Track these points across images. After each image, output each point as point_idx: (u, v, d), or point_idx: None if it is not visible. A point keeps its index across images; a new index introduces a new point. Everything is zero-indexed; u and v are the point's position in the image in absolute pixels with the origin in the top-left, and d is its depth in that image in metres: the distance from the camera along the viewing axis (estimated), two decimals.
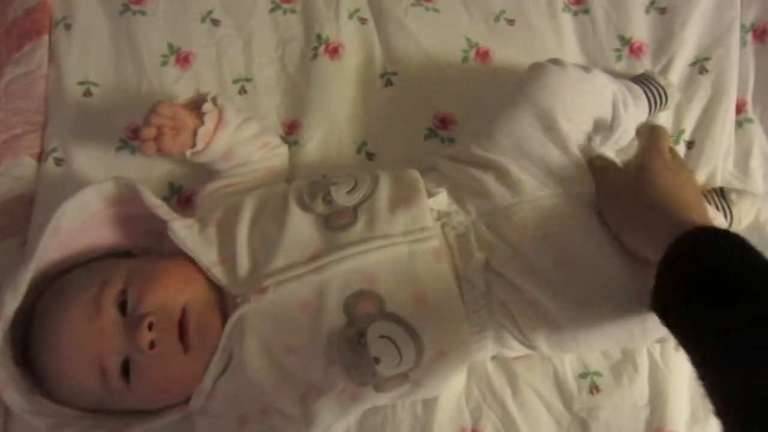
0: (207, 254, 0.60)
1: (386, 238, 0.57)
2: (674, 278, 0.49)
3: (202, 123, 0.65)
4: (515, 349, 0.62)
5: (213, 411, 0.59)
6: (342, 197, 0.61)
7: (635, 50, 0.79)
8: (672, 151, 0.60)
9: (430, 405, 0.66)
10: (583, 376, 0.67)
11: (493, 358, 0.68)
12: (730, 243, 0.48)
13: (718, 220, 0.69)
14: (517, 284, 0.57)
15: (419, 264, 0.57)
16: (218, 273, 0.59)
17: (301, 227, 0.59)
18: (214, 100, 0.67)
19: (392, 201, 0.60)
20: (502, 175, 0.60)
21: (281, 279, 0.57)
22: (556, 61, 0.65)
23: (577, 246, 0.57)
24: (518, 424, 0.66)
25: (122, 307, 0.56)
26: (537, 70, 0.64)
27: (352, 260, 0.57)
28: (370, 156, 0.77)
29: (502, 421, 0.66)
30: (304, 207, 0.61)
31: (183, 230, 0.60)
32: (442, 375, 0.60)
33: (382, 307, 0.56)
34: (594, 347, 0.65)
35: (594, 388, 0.67)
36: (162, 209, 0.62)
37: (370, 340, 0.55)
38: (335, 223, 0.59)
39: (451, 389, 0.67)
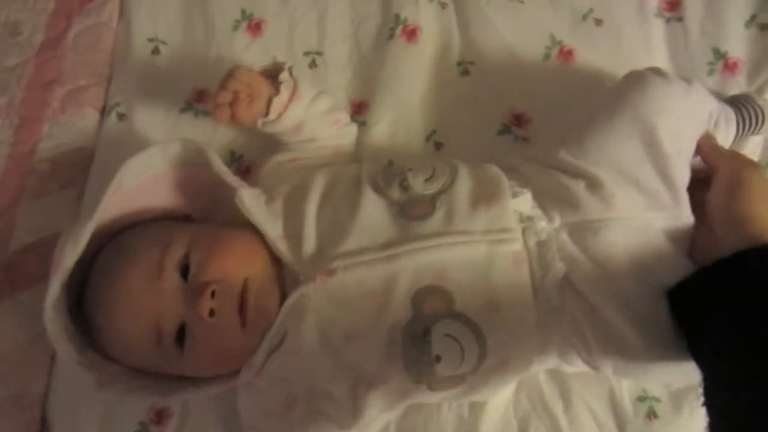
0: (273, 227, 0.58)
1: (465, 235, 0.55)
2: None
3: (277, 92, 0.63)
4: (577, 366, 0.59)
5: (260, 388, 0.58)
6: (419, 185, 0.58)
7: (730, 66, 0.74)
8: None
9: (476, 409, 0.64)
10: (641, 399, 0.64)
11: (547, 370, 0.66)
12: None
13: None
14: (595, 303, 0.54)
15: (497, 267, 0.54)
16: (283, 248, 0.57)
17: (374, 212, 0.57)
18: (290, 71, 0.65)
19: (473, 196, 0.57)
20: (595, 186, 0.57)
21: (350, 263, 0.55)
22: (657, 71, 0.61)
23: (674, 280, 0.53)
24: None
25: (184, 271, 0.55)
26: (638, 79, 0.60)
27: (426, 253, 0.54)
28: (438, 145, 0.74)
29: None
30: (379, 191, 0.58)
31: (250, 200, 0.58)
32: (499, 383, 0.57)
33: (452, 306, 0.53)
34: (661, 380, 0.62)
35: (652, 414, 0.64)
36: (230, 176, 0.60)
37: (434, 337, 0.53)
38: (411, 212, 0.56)
39: (500, 395, 0.64)
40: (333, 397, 0.56)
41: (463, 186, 0.58)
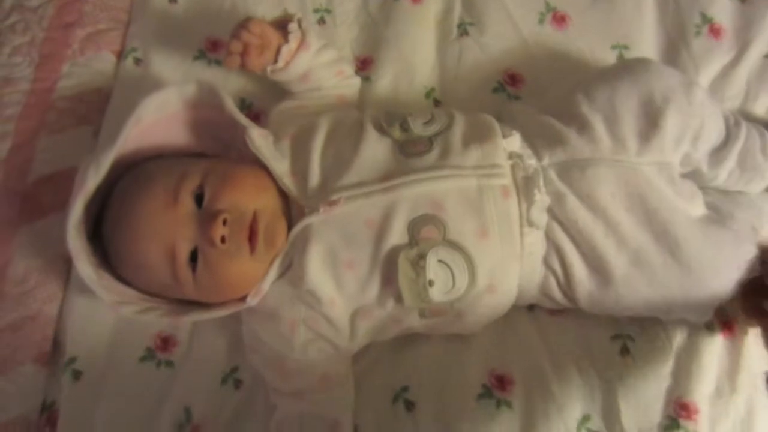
0: (280, 164, 0.62)
1: (458, 169, 0.60)
2: None
3: (286, 41, 0.67)
4: (555, 300, 0.65)
5: (264, 313, 0.62)
6: (418, 127, 0.63)
7: (714, 31, 0.80)
8: None
9: (462, 343, 0.68)
10: (616, 338, 0.69)
11: (530, 310, 0.70)
12: None
13: None
14: (580, 229, 0.59)
15: (486, 199, 0.59)
16: (289, 183, 0.61)
17: (376, 149, 0.61)
18: (299, 22, 0.69)
19: (467, 137, 0.62)
20: (586, 129, 0.62)
21: (351, 194, 0.59)
22: None
23: (670, 212, 0.59)
24: (547, 374, 0.67)
25: (198, 200, 0.59)
26: (645, 59, 0.69)
27: (421, 185, 0.59)
28: (436, 102, 0.78)
29: (532, 369, 0.68)
30: (381, 131, 0.63)
31: (259, 139, 0.62)
32: (485, 311, 0.63)
33: (445, 233, 0.58)
34: (630, 311, 0.66)
35: (625, 351, 0.69)
36: (241, 116, 0.64)
37: (429, 262, 0.57)
38: (410, 150, 0.61)
39: (485, 331, 0.69)
40: (331, 321, 0.61)
41: (459, 128, 0.63)
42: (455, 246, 0.58)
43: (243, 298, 0.61)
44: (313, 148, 0.62)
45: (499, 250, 0.59)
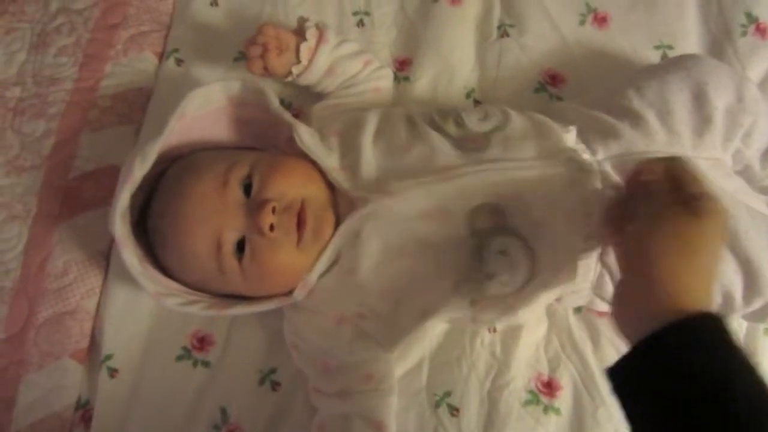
0: (329, 159, 0.61)
1: (518, 161, 0.58)
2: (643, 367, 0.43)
3: (304, 40, 0.67)
4: (607, 300, 0.62)
5: (310, 308, 0.61)
6: (473, 123, 0.61)
7: (761, 30, 0.78)
8: (699, 195, 0.47)
9: (509, 346, 0.66)
10: None
11: (577, 311, 0.68)
12: (703, 345, 0.42)
13: None
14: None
15: (547, 190, 0.57)
16: (339, 177, 0.60)
17: (430, 143, 0.60)
18: (316, 24, 0.69)
19: (525, 133, 0.61)
20: (639, 124, 0.61)
21: (407, 185, 0.58)
22: None
23: (731, 206, 0.56)
24: (596, 380, 0.65)
25: (246, 189, 0.58)
26: (696, 54, 0.70)
27: (480, 175, 0.57)
28: (476, 103, 0.77)
29: (580, 374, 0.65)
30: (434, 126, 0.61)
31: (306, 135, 0.62)
32: (538, 306, 0.60)
33: (505, 223, 0.56)
34: None
35: None
36: (288, 115, 0.63)
37: (488, 253, 0.56)
38: (466, 145, 0.59)
39: (532, 334, 0.67)
40: (379, 317, 0.59)
41: (515, 125, 0.61)
42: (516, 235, 0.56)
43: (288, 293, 0.60)
44: (363, 143, 0.61)
45: (560, 243, 0.57)
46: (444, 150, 0.59)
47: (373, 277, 0.58)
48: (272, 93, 0.64)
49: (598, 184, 0.58)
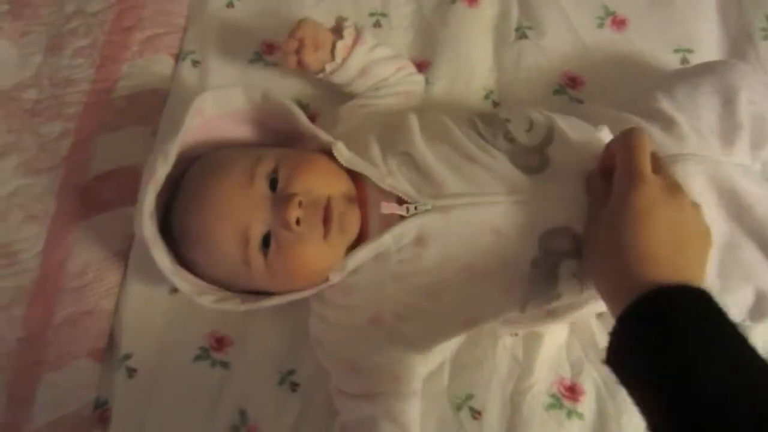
0: (375, 170, 0.59)
1: (576, 187, 0.56)
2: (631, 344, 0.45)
3: (341, 38, 0.67)
4: None
5: (344, 303, 0.60)
6: (522, 136, 0.59)
7: None
8: (660, 168, 0.51)
9: (531, 350, 0.66)
10: None
11: (599, 316, 0.67)
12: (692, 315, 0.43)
13: None
14: None
15: None
16: (394, 183, 0.58)
17: (487, 158, 0.58)
18: (353, 24, 0.69)
19: (577, 148, 0.59)
20: (670, 127, 0.60)
21: (474, 201, 0.56)
22: None
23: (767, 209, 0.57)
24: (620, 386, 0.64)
25: (272, 184, 0.57)
26: (728, 61, 0.70)
27: (548, 202, 0.56)
28: (495, 104, 0.77)
29: (603, 379, 0.64)
30: (483, 137, 0.60)
31: (346, 152, 0.60)
32: (576, 314, 0.60)
33: (580, 245, 0.55)
34: None
35: None
36: (322, 132, 0.62)
37: (562, 275, 0.55)
38: (524, 163, 0.58)
39: (554, 338, 0.66)
40: (420, 319, 0.58)
41: (565, 136, 0.59)
42: None
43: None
44: (417, 149, 0.59)
45: None
46: (502, 168, 0.57)
47: (424, 281, 0.57)
48: (299, 110, 0.62)
49: None
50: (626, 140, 0.51)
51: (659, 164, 0.51)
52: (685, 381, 0.40)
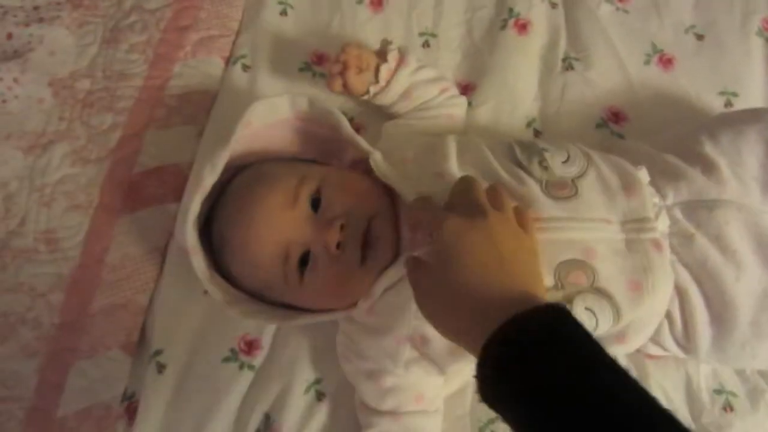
0: (406, 187, 0.60)
1: (606, 223, 0.57)
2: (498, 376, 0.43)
3: (385, 61, 0.68)
4: (663, 346, 0.61)
5: (369, 324, 0.61)
6: (558, 166, 0.60)
7: None
8: (456, 197, 0.52)
9: None
10: (718, 392, 0.66)
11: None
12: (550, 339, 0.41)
13: None
14: (709, 271, 0.57)
15: (639, 252, 0.57)
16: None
17: (521, 183, 0.59)
18: (398, 47, 0.70)
19: (612, 184, 0.59)
20: (712, 171, 0.60)
21: None
22: None
23: None
24: None
25: (314, 203, 0.59)
26: None
27: (571, 232, 0.57)
28: (537, 133, 0.78)
29: None
30: (519, 165, 0.61)
31: (382, 163, 0.62)
32: None
33: (594, 280, 0.56)
34: (755, 360, 0.62)
35: (728, 407, 0.65)
36: (362, 141, 0.63)
37: (575, 308, 0.55)
38: (555, 192, 0.58)
39: None
40: (440, 345, 0.58)
41: (601, 172, 0.60)
42: (604, 295, 0.56)
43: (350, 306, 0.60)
44: (451, 172, 0.60)
45: (648, 303, 0.56)
46: (533, 195, 0.58)
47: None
48: (343, 117, 0.64)
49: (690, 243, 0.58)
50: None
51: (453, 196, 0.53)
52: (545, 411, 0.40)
